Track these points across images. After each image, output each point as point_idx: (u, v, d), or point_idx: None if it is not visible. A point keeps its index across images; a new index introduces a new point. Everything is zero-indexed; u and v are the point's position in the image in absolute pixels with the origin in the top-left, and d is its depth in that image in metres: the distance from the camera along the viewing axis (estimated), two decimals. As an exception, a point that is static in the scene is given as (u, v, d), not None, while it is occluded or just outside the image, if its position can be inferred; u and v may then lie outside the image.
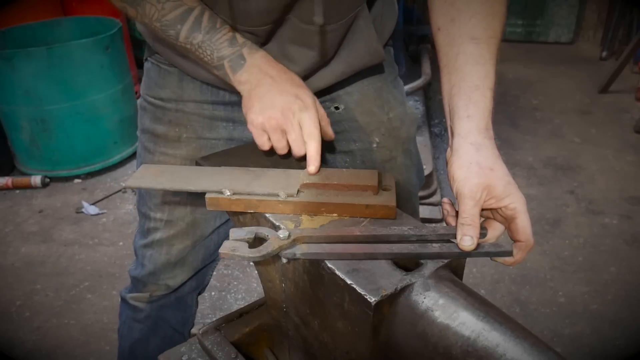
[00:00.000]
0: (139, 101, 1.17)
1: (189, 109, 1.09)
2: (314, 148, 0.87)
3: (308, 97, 0.91)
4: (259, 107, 0.90)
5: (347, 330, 0.70)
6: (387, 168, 1.16)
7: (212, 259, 1.27)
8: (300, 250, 0.72)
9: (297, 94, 0.90)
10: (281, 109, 0.88)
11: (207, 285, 1.36)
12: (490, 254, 0.73)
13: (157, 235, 1.17)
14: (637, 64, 4.43)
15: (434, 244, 0.71)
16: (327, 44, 0.98)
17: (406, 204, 1.19)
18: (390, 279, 0.67)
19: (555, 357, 0.56)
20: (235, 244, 0.73)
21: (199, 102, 1.09)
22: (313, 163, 0.87)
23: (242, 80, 0.92)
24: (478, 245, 0.71)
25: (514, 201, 0.75)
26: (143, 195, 1.17)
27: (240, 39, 0.93)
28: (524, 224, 0.75)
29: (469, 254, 0.71)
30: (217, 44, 0.91)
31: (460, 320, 0.61)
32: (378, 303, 0.64)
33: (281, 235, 0.73)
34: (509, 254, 0.74)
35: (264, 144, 0.91)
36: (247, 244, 0.73)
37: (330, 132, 0.96)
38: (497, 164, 0.76)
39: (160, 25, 0.92)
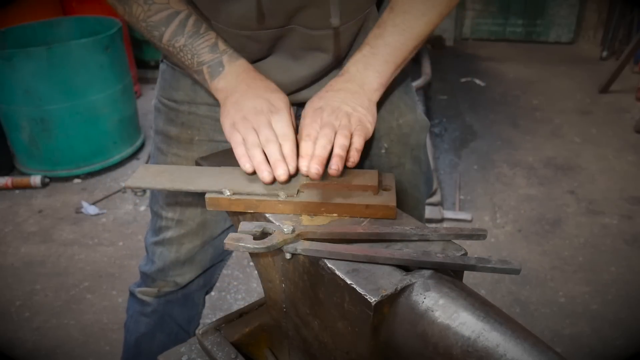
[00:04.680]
0: (153, 102, 1.19)
1: (201, 111, 1.10)
2: (288, 148, 0.86)
3: (281, 102, 0.92)
4: (233, 111, 0.91)
5: (347, 331, 0.70)
6: (395, 174, 1.15)
7: (220, 258, 1.28)
8: (302, 246, 0.72)
9: (269, 99, 0.91)
10: (253, 110, 0.89)
11: (214, 284, 1.37)
12: (497, 270, 0.71)
13: (168, 234, 1.19)
14: (637, 64, 4.44)
15: (438, 254, 0.70)
16: (341, 45, 0.99)
17: (413, 211, 1.18)
18: (390, 279, 0.67)
19: (556, 357, 0.56)
20: (240, 235, 0.73)
21: (212, 105, 1.09)
22: (290, 162, 0.84)
23: (219, 87, 0.94)
24: (485, 260, 0.70)
25: None
26: (155, 195, 1.20)
27: (222, 46, 0.94)
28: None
29: (473, 267, 0.70)
30: (198, 49, 0.93)
31: (460, 320, 0.61)
32: (378, 303, 0.63)
33: (285, 230, 0.73)
34: (517, 272, 0.71)
35: (237, 144, 0.87)
36: (251, 237, 0.73)
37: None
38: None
39: (146, 25, 0.93)
